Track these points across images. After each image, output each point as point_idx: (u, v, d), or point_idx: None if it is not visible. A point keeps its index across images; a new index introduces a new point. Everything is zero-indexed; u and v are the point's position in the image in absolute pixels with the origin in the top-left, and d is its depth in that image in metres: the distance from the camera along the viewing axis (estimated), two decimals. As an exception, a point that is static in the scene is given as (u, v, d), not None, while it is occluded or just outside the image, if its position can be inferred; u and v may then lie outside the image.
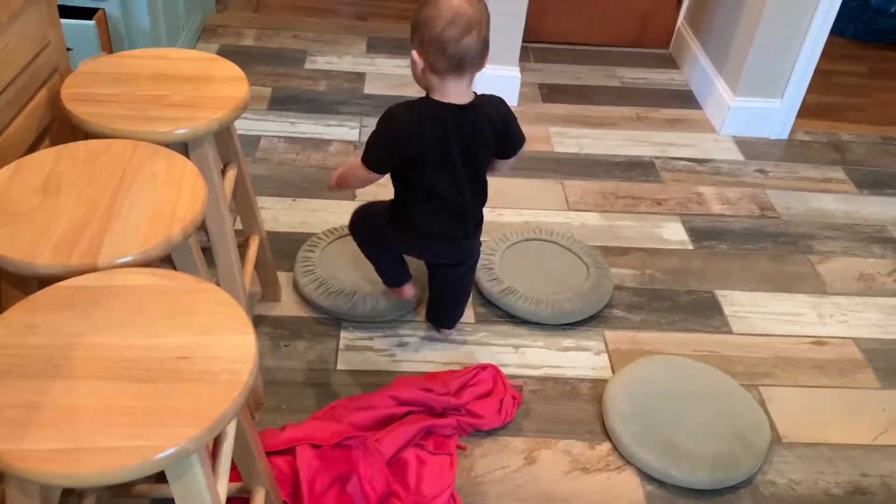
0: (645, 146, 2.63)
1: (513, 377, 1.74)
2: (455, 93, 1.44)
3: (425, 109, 1.46)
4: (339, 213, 2.15)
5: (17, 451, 0.77)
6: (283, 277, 1.94)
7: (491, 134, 1.51)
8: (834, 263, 2.19)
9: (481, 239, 1.74)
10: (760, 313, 2.00)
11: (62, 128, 1.40)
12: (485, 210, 2.22)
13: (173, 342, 0.90)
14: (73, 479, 0.77)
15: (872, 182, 2.55)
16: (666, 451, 1.56)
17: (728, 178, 2.50)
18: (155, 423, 0.80)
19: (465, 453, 1.57)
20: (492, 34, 2.65)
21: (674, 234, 2.24)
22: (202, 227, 1.43)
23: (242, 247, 1.72)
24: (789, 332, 1.96)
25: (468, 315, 1.90)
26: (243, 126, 2.48)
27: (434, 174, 1.50)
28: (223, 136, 1.53)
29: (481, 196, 1.64)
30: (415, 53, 1.42)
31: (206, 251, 1.47)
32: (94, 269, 0.99)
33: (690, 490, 1.55)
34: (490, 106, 1.50)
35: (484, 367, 1.70)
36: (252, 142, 2.45)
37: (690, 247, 2.20)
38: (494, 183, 2.35)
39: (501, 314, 1.91)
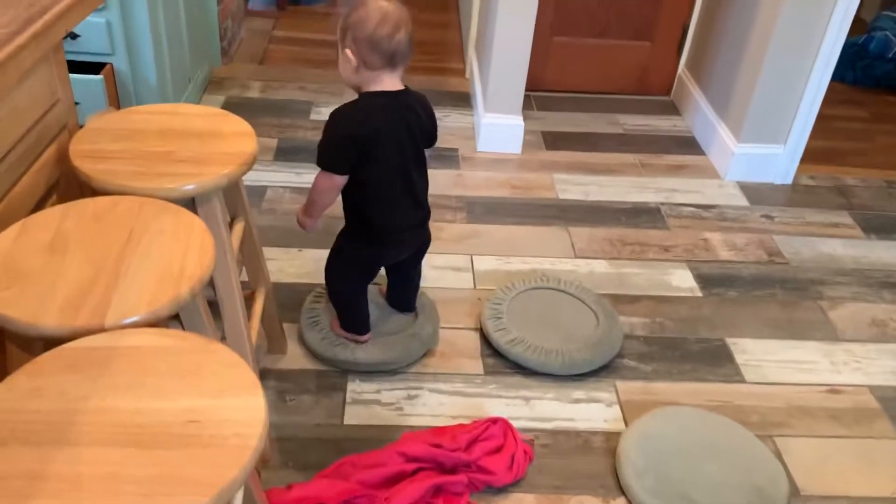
0: (650, 192, 2.63)
1: (524, 430, 1.71)
2: (390, 84, 1.55)
3: (367, 100, 1.56)
4: (345, 263, 2.14)
5: (19, 523, 0.74)
6: (289, 329, 1.93)
7: (424, 117, 1.62)
8: (845, 309, 2.16)
9: (489, 287, 1.73)
10: (772, 361, 1.97)
11: (70, 184, 1.39)
12: (492, 258, 2.22)
13: (182, 405, 0.88)
14: (78, 552, 0.74)
15: (879, 226, 2.55)
16: (683, 507, 1.52)
17: (734, 224, 2.49)
18: (162, 493, 0.78)
19: (477, 511, 1.54)
20: (495, 84, 2.71)
21: (682, 281, 2.22)
22: (209, 282, 1.42)
23: (248, 299, 1.71)
24: (803, 380, 1.93)
25: (477, 366, 1.88)
26: (249, 177, 2.49)
27: (389, 162, 1.58)
28: (231, 190, 1.52)
29: (427, 180, 1.73)
30: (348, 52, 1.51)
31: (213, 304, 1.46)
32: (101, 330, 0.98)
33: (709, 547, 1.51)
34: (417, 94, 1.62)
35: (494, 421, 1.67)
36: (258, 193, 2.45)
37: (699, 294, 2.18)
38: (500, 231, 2.36)
39: (510, 365, 1.88)
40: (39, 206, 1.32)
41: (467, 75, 3.32)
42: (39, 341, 1.02)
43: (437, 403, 1.77)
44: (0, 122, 1.17)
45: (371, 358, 1.81)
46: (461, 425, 1.68)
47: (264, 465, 1.59)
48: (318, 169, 1.59)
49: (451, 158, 2.72)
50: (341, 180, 1.59)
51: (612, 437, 1.71)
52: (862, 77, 3.48)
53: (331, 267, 1.80)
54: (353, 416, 1.72)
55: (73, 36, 2.26)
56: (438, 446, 1.57)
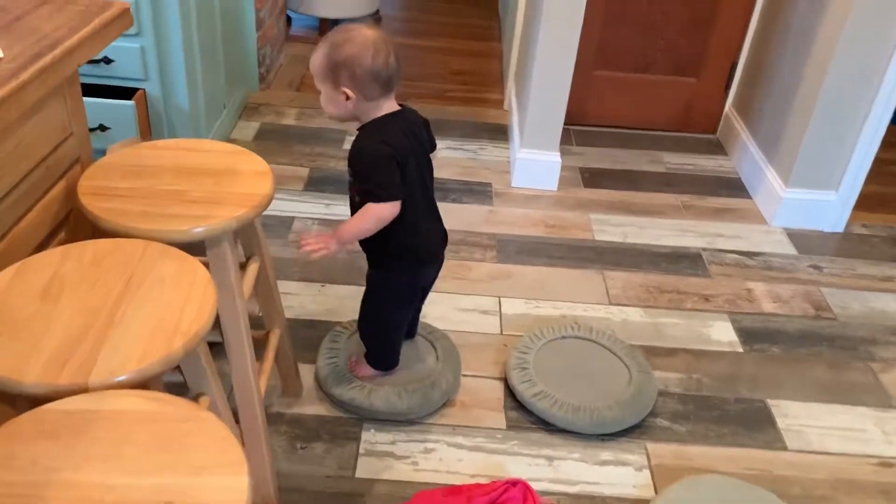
0: (692, 237, 2.51)
1: (545, 493, 1.61)
2: (389, 107, 1.53)
3: (382, 126, 1.51)
4: (368, 302, 2.07)
5: None
6: (306, 369, 1.86)
7: (424, 128, 1.61)
8: (899, 373, 2.02)
9: (516, 333, 1.71)
10: (817, 427, 1.84)
11: (80, 219, 1.34)
12: (521, 301, 2.13)
13: (158, 482, 0.81)
14: None
15: (938, 282, 2.39)
16: (714, 591, 1.40)
17: (780, 274, 2.36)
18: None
19: (490, 582, 1.43)
20: (533, 118, 2.62)
21: (723, 334, 2.10)
22: (216, 325, 1.36)
23: (263, 340, 1.65)
24: (851, 450, 1.79)
25: (499, 420, 1.78)
26: (277, 206, 2.44)
27: (415, 180, 1.56)
28: (247, 229, 1.46)
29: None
30: (347, 91, 1.45)
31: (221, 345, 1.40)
32: (85, 389, 0.91)
33: None
34: (411, 108, 1.60)
35: (514, 483, 1.56)
36: (285, 223, 2.40)
37: (740, 349, 2.05)
38: (531, 273, 2.27)
39: (534, 420, 1.78)
40: (46, 242, 1.28)
41: (506, 107, 3.24)
42: (23, 398, 0.96)
43: (455, 459, 1.68)
44: (4, 158, 1.12)
45: (388, 406, 1.72)
46: (478, 485, 1.58)
47: (269, 519, 1.51)
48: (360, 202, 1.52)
49: (483, 193, 2.64)
50: (399, 206, 1.51)
51: (640, 506, 1.60)
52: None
53: (372, 308, 1.72)
54: (366, 468, 1.64)
55: (108, 61, 2.24)
56: (452, 509, 1.48)
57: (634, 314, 2.15)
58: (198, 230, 1.21)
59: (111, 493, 0.79)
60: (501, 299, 2.16)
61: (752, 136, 2.82)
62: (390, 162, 1.47)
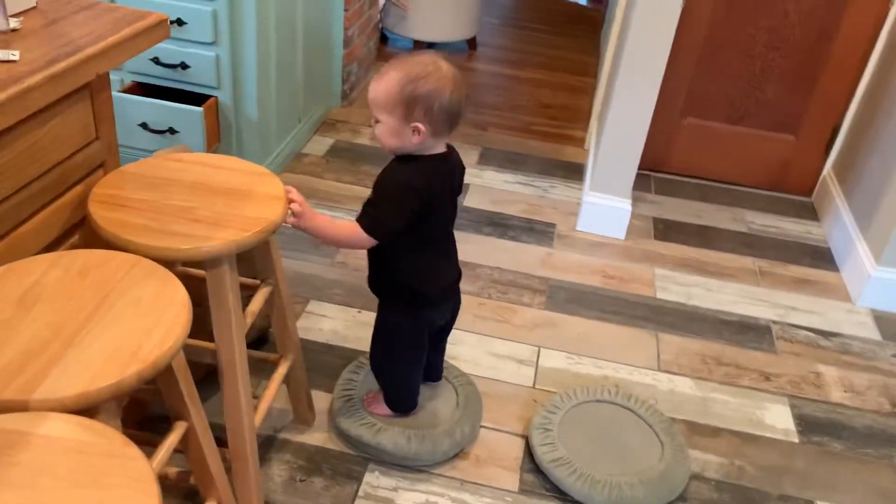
0: (763, 307, 2.31)
1: (544, 570, 1.49)
2: (443, 146, 1.47)
3: (420, 165, 1.44)
4: (400, 335, 2.00)
5: None
6: (324, 397, 1.81)
7: (461, 174, 1.56)
8: (981, 492, 1.77)
9: (549, 389, 1.73)
10: (873, 542, 1.63)
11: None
12: (562, 355, 2.01)
13: (61, 522, 0.76)
14: None
15: None
16: None
17: (857, 360, 2.13)
18: None
19: None
20: (604, 162, 2.50)
21: (778, 419, 1.91)
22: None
23: (273, 364, 1.61)
24: (908, 575, 1.57)
25: (512, 481, 1.67)
26: (331, 226, 2.41)
27: (439, 223, 1.53)
28: (262, 251, 1.43)
29: None
30: (419, 126, 1.38)
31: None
32: (25, 408, 0.88)
33: None
34: (456, 152, 1.53)
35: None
36: (336, 243, 2.37)
37: (796, 439, 1.86)
38: (578, 325, 2.14)
39: (550, 488, 1.66)
40: (56, 245, 1.28)
41: (586, 146, 3.12)
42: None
43: (457, 516, 1.58)
44: (13, 160, 1.12)
45: (394, 447, 1.64)
46: (473, 550, 1.48)
47: (251, 551, 1.46)
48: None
49: (545, 234, 2.53)
50: (372, 244, 1.45)
51: None
52: None
53: (381, 349, 1.67)
54: (361, 512, 1.57)
55: (184, 66, 2.29)
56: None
57: (683, 384, 1.99)
58: (193, 251, 1.18)
59: (8, 527, 0.75)
60: (541, 350, 2.04)
61: (848, 204, 2.59)
62: (406, 204, 1.41)
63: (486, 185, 2.77)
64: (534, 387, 1.92)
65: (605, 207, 2.52)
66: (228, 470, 1.40)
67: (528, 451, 1.73)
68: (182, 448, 1.22)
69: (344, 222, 1.43)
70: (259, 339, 1.92)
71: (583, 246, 2.50)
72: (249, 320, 1.37)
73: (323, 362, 1.91)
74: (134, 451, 0.85)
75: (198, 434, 1.21)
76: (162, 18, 1.32)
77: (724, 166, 2.93)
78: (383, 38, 3.97)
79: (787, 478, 1.75)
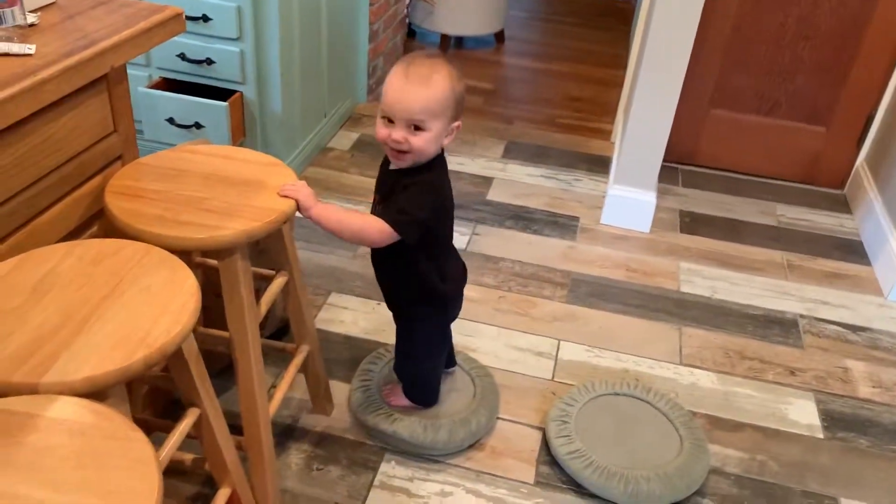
0: (791, 301, 2.27)
1: (558, 563, 1.48)
2: None
3: (445, 168, 1.45)
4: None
5: None
6: (343, 388, 1.82)
7: None
8: None
9: (568, 382, 1.79)
10: (898, 541, 1.59)
11: (115, 215, 1.37)
12: (582, 348, 1.99)
13: (63, 501, 0.78)
14: None
15: None
16: None
17: (887, 356, 2.08)
18: None
19: None
20: (628, 154, 2.48)
21: (803, 414, 1.87)
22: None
23: (290, 353, 1.63)
24: (934, 574, 1.53)
25: (528, 473, 1.66)
26: (354, 219, 2.43)
27: (448, 228, 1.53)
28: (276, 242, 1.45)
29: None
30: (457, 126, 1.40)
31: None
32: (35, 391, 0.91)
33: None
34: None
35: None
36: (358, 236, 2.38)
37: (820, 435, 1.82)
38: (600, 318, 2.13)
39: (567, 480, 1.65)
40: (75, 236, 1.31)
41: (613, 139, 3.10)
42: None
43: (471, 507, 1.58)
44: (29, 151, 1.15)
45: (411, 436, 1.65)
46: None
47: (266, 538, 1.48)
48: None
49: (568, 227, 2.52)
50: (391, 241, 1.42)
51: None
52: None
53: (417, 358, 1.67)
54: (376, 502, 1.57)
55: (210, 62, 2.32)
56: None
57: (705, 379, 1.96)
58: (205, 240, 1.19)
59: (13, 503, 0.77)
60: (561, 342, 2.03)
61: (881, 196, 2.53)
62: (438, 210, 1.43)
63: (509, 179, 2.76)
64: (552, 379, 1.91)
65: (629, 200, 2.50)
66: (244, 458, 1.42)
67: (545, 444, 1.72)
68: (196, 434, 1.25)
69: (368, 219, 1.37)
70: (280, 329, 1.94)
71: (606, 239, 2.48)
72: (263, 310, 1.39)
73: (343, 354, 1.93)
74: (137, 434, 0.87)
75: (210, 420, 1.22)
76: (177, 12, 1.34)
77: (753, 159, 2.88)
78: (410, 33, 3.98)
79: (810, 474, 1.72)
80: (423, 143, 1.35)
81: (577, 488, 1.63)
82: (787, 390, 1.95)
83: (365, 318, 2.06)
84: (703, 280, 2.33)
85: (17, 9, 1.17)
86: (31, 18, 1.21)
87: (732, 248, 2.50)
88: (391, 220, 1.35)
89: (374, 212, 1.46)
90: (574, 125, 3.25)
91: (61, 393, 0.91)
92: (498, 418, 1.78)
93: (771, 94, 2.74)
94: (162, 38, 1.32)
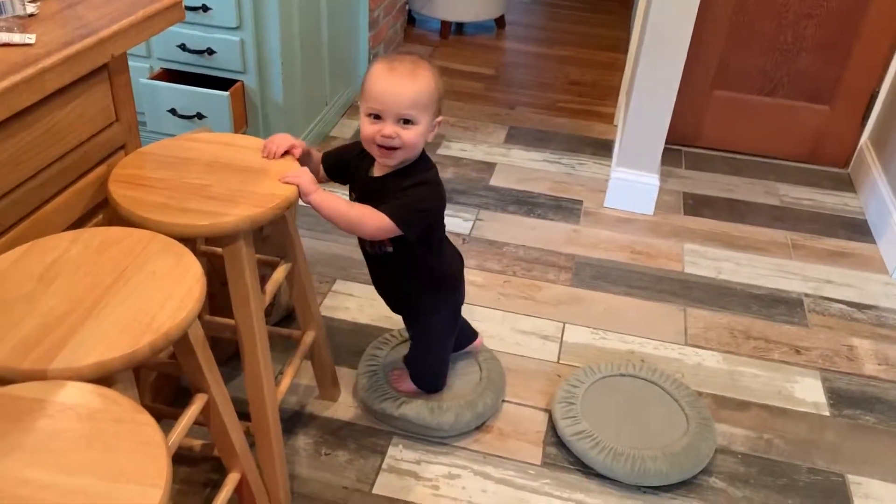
0: (795, 280, 2.27)
1: (566, 542, 1.49)
2: None
3: (431, 163, 1.45)
4: (424, 312, 2.02)
5: None
6: (351, 375, 1.83)
7: None
8: None
9: (573, 364, 1.86)
10: (905, 515, 1.60)
11: (119, 205, 1.38)
12: (587, 330, 2.00)
13: (73, 483, 0.79)
14: None
15: None
16: None
17: (893, 333, 2.08)
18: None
19: None
20: (631, 136, 2.48)
21: (809, 392, 1.88)
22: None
23: (296, 340, 1.63)
24: (941, 548, 1.54)
25: (535, 454, 1.67)
26: (357, 206, 2.44)
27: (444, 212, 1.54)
28: (280, 229, 1.45)
29: None
30: (439, 121, 1.41)
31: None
32: (44, 377, 0.92)
33: None
34: None
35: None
36: (362, 224, 2.39)
37: (826, 412, 1.83)
38: (605, 301, 2.13)
39: (573, 461, 1.66)
40: (80, 225, 1.31)
41: (615, 122, 3.09)
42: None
43: (479, 489, 1.59)
44: (32, 141, 1.16)
45: (418, 418, 1.66)
46: (494, 522, 1.49)
47: (276, 523, 1.49)
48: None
49: (572, 211, 2.52)
50: (392, 235, 1.41)
51: (670, 573, 1.45)
52: None
53: (434, 352, 1.68)
54: (385, 485, 1.59)
55: (210, 52, 2.32)
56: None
57: (711, 359, 1.97)
58: (208, 227, 1.20)
59: (24, 487, 0.78)
60: (566, 325, 2.04)
61: (885, 175, 2.52)
62: (441, 208, 1.45)
63: (512, 164, 2.76)
64: (558, 362, 1.92)
65: (632, 183, 2.49)
66: (252, 444, 1.43)
67: (552, 425, 1.73)
68: (204, 421, 1.26)
69: (369, 211, 1.34)
70: (287, 317, 1.95)
71: (610, 222, 2.48)
72: (268, 296, 1.40)
73: (349, 340, 1.93)
74: (145, 417, 0.88)
75: (218, 406, 1.23)
76: (176, 0, 1.34)
77: (756, 139, 2.87)
78: (411, 20, 3.96)
79: (817, 451, 1.73)
80: (414, 138, 1.33)
81: (584, 469, 1.64)
82: (792, 369, 1.95)
83: (370, 304, 2.06)
84: (708, 261, 2.33)
85: (16, -1, 1.18)
86: (30, 8, 1.22)
87: (736, 228, 2.50)
88: (395, 216, 1.34)
89: None
90: (576, 109, 3.24)
91: (70, 379, 0.92)
92: (504, 401, 1.79)
93: (773, 73, 2.73)
94: (161, 27, 1.32)
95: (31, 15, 1.21)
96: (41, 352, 0.94)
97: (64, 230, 1.26)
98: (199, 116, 2.35)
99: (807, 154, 2.86)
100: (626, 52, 3.88)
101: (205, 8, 2.24)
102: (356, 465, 1.62)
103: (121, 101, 1.34)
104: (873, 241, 2.46)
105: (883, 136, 2.61)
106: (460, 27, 3.99)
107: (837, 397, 1.87)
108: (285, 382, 1.53)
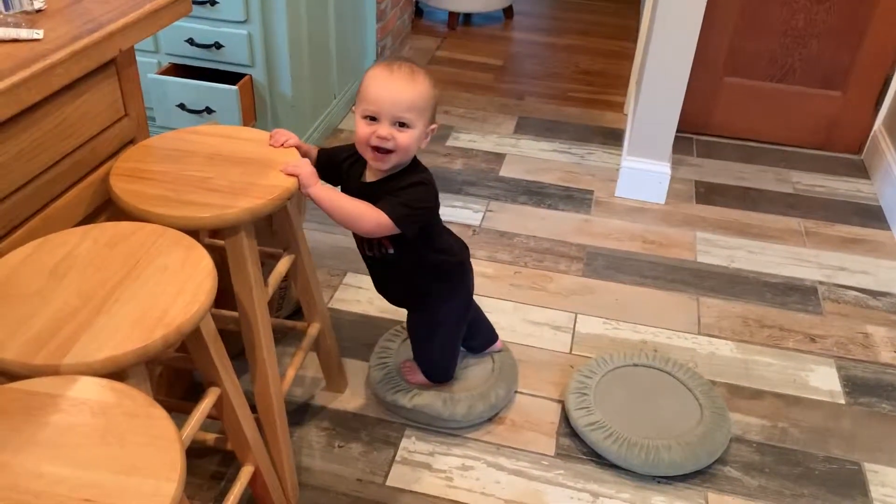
0: (809, 267, 2.25)
1: (580, 533, 1.49)
2: None
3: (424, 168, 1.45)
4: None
5: None
6: (361, 366, 1.83)
7: None
8: None
9: (586, 355, 1.85)
10: (923, 504, 1.58)
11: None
12: (599, 321, 1.99)
13: (87, 477, 0.79)
14: None
15: None
16: None
17: (909, 320, 2.07)
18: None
19: None
20: (641, 125, 2.46)
21: (824, 381, 1.86)
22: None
23: (302, 332, 1.63)
24: (960, 536, 1.52)
25: (548, 445, 1.67)
26: (367, 199, 2.43)
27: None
28: (282, 221, 1.45)
29: None
30: (433, 128, 1.40)
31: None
32: (57, 372, 0.92)
33: None
34: None
35: (544, 517, 1.46)
36: (372, 216, 2.38)
37: (842, 401, 1.81)
38: (617, 290, 2.12)
39: (587, 451, 1.65)
40: (90, 220, 1.31)
41: (625, 111, 3.07)
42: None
43: (493, 481, 1.59)
44: (42, 137, 1.16)
45: (431, 410, 1.66)
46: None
47: (290, 515, 1.49)
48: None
49: (583, 201, 2.50)
50: (390, 233, 1.40)
51: (685, 563, 1.45)
52: None
53: (444, 343, 1.67)
54: (398, 477, 1.58)
55: (218, 46, 2.32)
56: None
57: (724, 348, 1.95)
58: (209, 219, 1.19)
59: (38, 481, 0.78)
60: (578, 316, 2.03)
61: (900, 160, 2.49)
62: (436, 207, 1.44)
63: (522, 155, 2.75)
64: (570, 353, 1.91)
65: (643, 172, 2.48)
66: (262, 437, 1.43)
67: (565, 416, 1.73)
68: (217, 414, 1.26)
69: (368, 208, 1.33)
70: (298, 311, 1.95)
71: (621, 212, 2.47)
72: (271, 288, 1.39)
73: (360, 332, 1.93)
74: (158, 411, 0.88)
75: (231, 399, 1.23)
76: (183, -7, 1.34)
77: (768, 126, 2.84)
78: (418, 11, 3.95)
79: (832, 440, 1.71)
80: (408, 141, 1.32)
81: (598, 459, 1.64)
82: (807, 357, 1.93)
83: (381, 297, 2.05)
84: (720, 250, 2.32)
85: (24, -6, 1.17)
86: (37, 3, 1.21)
87: (749, 216, 2.48)
88: (394, 214, 1.33)
89: None
90: (586, 98, 3.22)
91: (82, 374, 0.92)
92: (517, 392, 1.78)
93: (785, 59, 2.70)
94: (168, 20, 1.32)
95: (38, 10, 1.21)
96: (54, 347, 0.94)
97: (74, 225, 1.26)
98: (208, 111, 2.35)
99: (819, 140, 2.83)
100: (635, 40, 3.85)
101: (212, 2, 2.24)
102: (370, 458, 1.62)
103: (129, 96, 1.34)
104: (888, 228, 2.43)
105: (897, 122, 2.59)
106: (468, 18, 3.97)
107: (853, 385, 1.85)
108: (290, 374, 1.53)
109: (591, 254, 2.27)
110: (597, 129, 2.95)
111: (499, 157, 2.72)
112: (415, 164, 1.41)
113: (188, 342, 1.14)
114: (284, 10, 2.28)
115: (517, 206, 2.46)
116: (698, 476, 1.61)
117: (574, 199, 2.51)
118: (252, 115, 2.44)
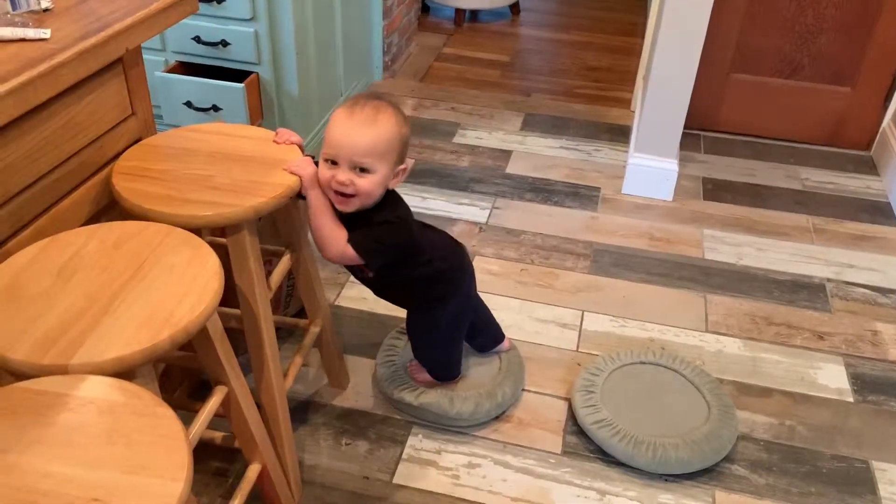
0: (818, 265, 2.24)
1: (587, 531, 1.49)
2: None
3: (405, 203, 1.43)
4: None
5: None
6: (369, 366, 1.83)
7: None
8: None
9: (592, 352, 1.85)
10: (932, 502, 1.58)
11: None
12: (606, 318, 1.98)
13: (95, 477, 0.79)
14: None
15: None
16: None
17: (918, 317, 2.06)
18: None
19: None
20: (649, 121, 2.44)
21: (832, 379, 1.85)
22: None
23: (304, 330, 1.64)
24: (969, 535, 1.52)
25: (555, 443, 1.67)
26: (374, 197, 2.43)
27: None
28: (285, 218, 1.45)
29: None
30: (403, 168, 1.38)
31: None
32: (65, 372, 0.92)
33: None
34: None
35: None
36: (379, 214, 2.38)
37: (850, 399, 1.80)
38: (624, 288, 2.11)
39: (594, 449, 1.65)
40: (97, 219, 1.32)
41: (633, 108, 3.06)
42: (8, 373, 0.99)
43: (499, 479, 1.59)
44: (49, 136, 1.16)
45: (438, 408, 1.66)
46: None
47: (297, 513, 1.50)
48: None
49: (589, 198, 2.50)
50: (351, 262, 1.40)
51: (692, 561, 1.44)
52: None
53: (446, 344, 1.68)
54: (405, 474, 1.59)
55: (225, 44, 2.32)
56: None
57: (732, 345, 1.95)
58: (211, 218, 1.19)
59: (45, 481, 0.79)
60: (585, 313, 2.03)
61: (909, 156, 2.48)
62: (409, 247, 1.44)
63: (528, 152, 2.74)
64: (577, 350, 1.91)
65: (651, 169, 2.47)
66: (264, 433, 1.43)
67: (571, 414, 1.72)
68: (224, 413, 1.26)
69: (337, 227, 1.34)
70: (303, 310, 1.95)
71: (628, 209, 2.46)
72: (273, 285, 1.39)
73: (367, 330, 1.94)
74: (165, 410, 0.88)
75: (238, 398, 1.24)
76: (189, -8, 1.34)
77: (776, 123, 2.83)
78: (425, 8, 3.94)
79: (840, 437, 1.71)
80: (369, 186, 1.30)
81: (605, 457, 1.64)
82: (815, 355, 1.92)
83: (388, 294, 2.06)
84: (728, 247, 2.31)
85: (31, -6, 1.18)
86: (45, 3, 1.22)
87: (757, 213, 2.47)
88: (361, 247, 1.34)
89: None
90: (593, 95, 3.21)
91: (90, 373, 0.93)
92: (524, 390, 1.78)
93: (793, 55, 2.68)
94: (175, 19, 1.32)
95: (45, 10, 1.21)
96: (62, 347, 0.94)
97: (81, 225, 1.27)
98: (215, 109, 2.35)
99: (828, 137, 2.81)
100: (642, 36, 3.83)
101: (218, 0, 2.24)
102: (377, 455, 1.63)
103: (136, 95, 1.34)
104: (897, 225, 2.42)
105: (906, 117, 2.57)
106: (475, 14, 3.96)
107: (861, 383, 1.85)
108: (292, 371, 1.54)
109: (598, 251, 2.26)
110: (604, 126, 2.94)
111: (505, 154, 2.71)
112: (392, 200, 1.38)
113: (195, 341, 1.14)
114: (291, 7, 2.28)
115: (524, 203, 2.46)
116: (705, 474, 1.61)
117: (581, 195, 2.51)
118: (259, 112, 2.44)
